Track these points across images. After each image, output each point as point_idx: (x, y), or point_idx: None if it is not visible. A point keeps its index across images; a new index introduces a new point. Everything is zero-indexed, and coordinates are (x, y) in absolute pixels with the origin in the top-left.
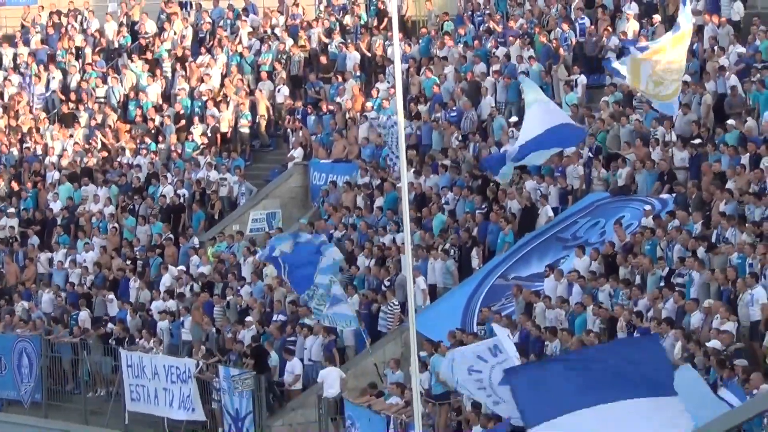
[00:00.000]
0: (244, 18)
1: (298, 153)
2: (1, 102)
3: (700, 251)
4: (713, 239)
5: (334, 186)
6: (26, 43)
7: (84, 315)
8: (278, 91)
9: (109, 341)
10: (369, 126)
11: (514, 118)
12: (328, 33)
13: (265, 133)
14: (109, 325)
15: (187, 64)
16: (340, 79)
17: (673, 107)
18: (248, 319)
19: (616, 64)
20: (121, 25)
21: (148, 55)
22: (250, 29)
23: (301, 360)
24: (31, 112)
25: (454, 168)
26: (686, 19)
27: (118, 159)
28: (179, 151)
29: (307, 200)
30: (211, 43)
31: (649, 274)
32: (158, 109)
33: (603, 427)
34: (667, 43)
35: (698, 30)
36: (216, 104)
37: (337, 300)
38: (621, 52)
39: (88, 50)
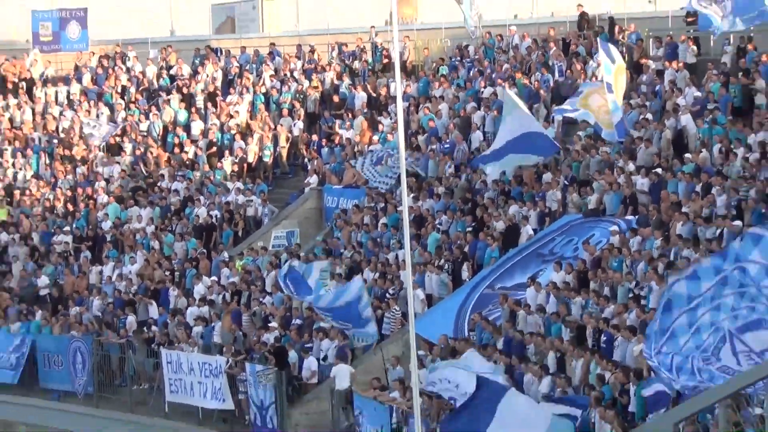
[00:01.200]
0: (267, 62)
1: (313, 180)
2: (58, 134)
3: (660, 267)
4: (671, 257)
5: (344, 213)
6: (79, 82)
7: (130, 319)
8: (296, 125)
9: (151, 343)
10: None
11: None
12: (340, 76)
13: (285, 163)
14: (152, 327)
15: (217, 102)
16: (349, 115)
17: (615, 135)
18: (271, 324)
19: (566, 106)
20: (160, 68)
21: (184, 92)
22: (272, 72)
23: (318, 359)
24: (83, 142)
25: (448, 194)
26: (609, 64)
27: (159, 184)
28: (211, 177)
29: (322, 220)
30: (239, 84)
31: (619, 286)
32: (193, 141)
33: None
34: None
35: (659, 74)
36: (243, 137)
37: (367, 321)
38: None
39: (132, 90)
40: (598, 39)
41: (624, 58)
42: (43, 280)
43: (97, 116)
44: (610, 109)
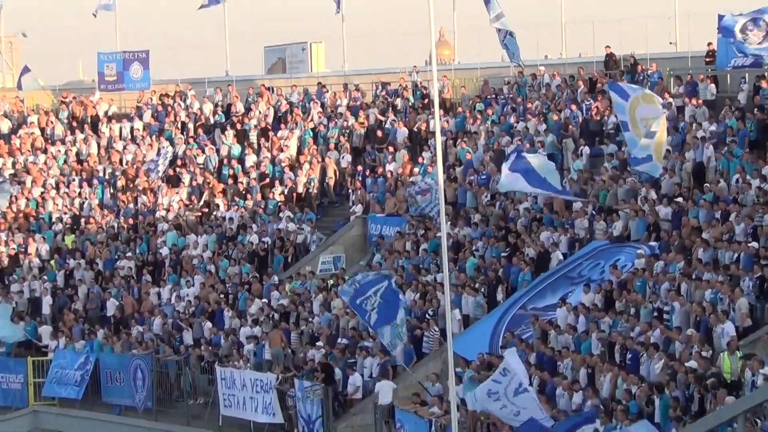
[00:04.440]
0: (315, 100)
1: (358, 209)
2: (121, 166)
3: (683, 286)
4: (693, 277)
5: (382, 239)
6: (141, 118)
7: (187, 338)
8: (343, 158)
9: (205, 360)
10: (407, 194)
11: None
12: (383, 112)
13: (332, 193)
14: (207, 346)
15: (269, 136)
16: (392, 149)
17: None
18: (318, 343)
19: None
20: (216, 105)
21: (238, 128)
22: (320, 109)
23: (362, 375)
24: (145, 174)
25: (484, 221)
26: (621, 103)
27: (214, 213)
28: (263, 207)
29: (366, 246)
30: (289, 120)
31: (642, 306)
32: (246, 173)
33: None
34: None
35: (679, 110)
36: (293, 169)
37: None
38: (618, 128)
39: (190, 125)
40: (608, 81)
41: None
42: (112, 303)
43: (158, 152)
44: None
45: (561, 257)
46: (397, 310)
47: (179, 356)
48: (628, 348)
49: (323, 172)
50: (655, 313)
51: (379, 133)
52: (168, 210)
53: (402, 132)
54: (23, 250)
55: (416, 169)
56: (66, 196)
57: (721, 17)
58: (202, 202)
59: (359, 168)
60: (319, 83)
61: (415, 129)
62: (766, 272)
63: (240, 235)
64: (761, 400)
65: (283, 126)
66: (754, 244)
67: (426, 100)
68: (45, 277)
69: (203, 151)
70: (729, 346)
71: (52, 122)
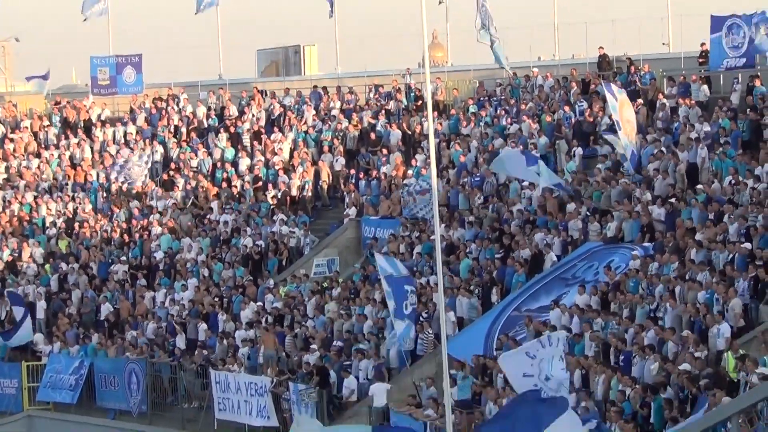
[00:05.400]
0: (308, 103)
1: (352, 211)
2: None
3: (677, 287)
4: (687, 278)
5: (376, 241)
6: (134, 122)
7: (181, 342)
8: (336, 161)
9: (199, 363)
10: (405, 193)
11: (525, 182)
12: (376, 115)
13: (326, 195)
14: (202, 351)
15: (262, 139)
16: (385, 151)
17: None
18: (312, 346)
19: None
20: (209, 109)
21: (231, 131)
22: (314, 112)
23: (356, 378)
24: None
25: (477, 223)
26: (613, 102)
27: (208, 216)
28: (257, 210)
29: (360, 249)
30: (283, 123)
31: (639, 307)
32: (240, 176)
33: None
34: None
35: (673, 110)
36: (286, 172)
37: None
38: (610, 128)
39: (183, 129)
40: (601, 82)
41: (639, 95)
42: (107, 307)
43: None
44: (622, 145)
45: (555, 259)
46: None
47: (173, 360)
48: (620, 350)
49: (317, 175)
50: (653, 314)
51: (373, 135)
52: (162, 214)
53: (395, 134)
54: (17, 255)
55: (410, 172)
56: (60, 201)
57: (714, 18)
58: (190, 203)
59: (353, 171)
60: (315, 86)
61: (408, 131)
62: (760, 272)
63: (234, 239)
64: (756, 401)
65: (276, 129)
66: (747, 245)
67: (419, 103)
68: (39, 282)
69: (197, 155)
70: (732, 347)
71: (45, 127)
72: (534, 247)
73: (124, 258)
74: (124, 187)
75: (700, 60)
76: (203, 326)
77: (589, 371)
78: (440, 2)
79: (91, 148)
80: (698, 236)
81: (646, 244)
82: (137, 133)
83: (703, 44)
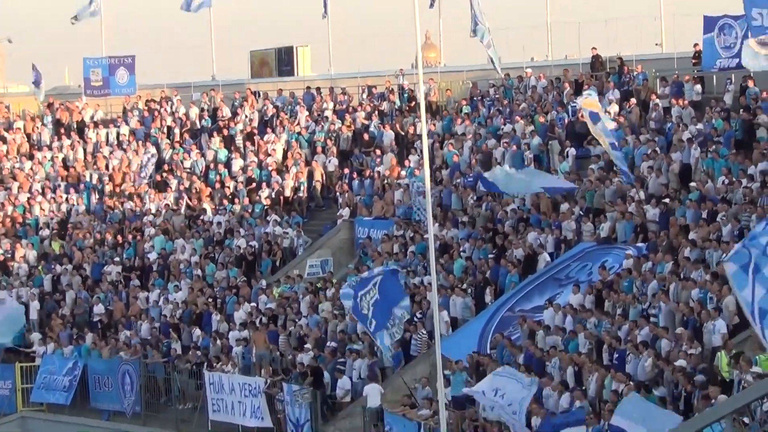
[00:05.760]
0: (301, 104)
1: (345, 212)
2: (108, 171)
3: (672, 286)
4: (681, 277)
5: (370, 240)
6: (127, 123)
7: (176, 346)
8: (329, 162)
9: (193, 364)
10: (404, 191)
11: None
12: (369, 115)
13: (320, 196)
14: (196, 352)
15: (255, 140)
16: (379, 152)
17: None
18: (306, 345)
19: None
20: (202, 110)
21: (224, 133)
22: (307, 113)
23: (350, 378)
24: (134, 179)
25: (471, 223)
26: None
27: (201, 217)
28: (250, 211)
29: (353, 250)
30: (276, 124)
31: (631, 307)
32: (233, 177)
33: None
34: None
35: (666, 110)
36: (279, 173)
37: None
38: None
39: (176, 130)
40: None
41: (632, 95)
42: (99, 308)
43: (148, 160)
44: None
45: (548, 259)
46: (396, 302)
47: (166, 360)
48: (614, 348)
49: (310, 175)
50: (645, 312)
51: (366, 136)
52: (155, 215)
53: (389, 135)
54: (10, 255)
55: (403, 172)
56: (53, 202)
57: (706, 18)
58: (184, 205)
59: (346, 171)
60: (308, 87)
61: (401, 132)
62: None
63: (227, 239)
64: (750, 400)
65: (269, 130)
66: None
67: (412, 103)
68: (32, 283)
69: (190, 156)
70: (726, 345)
71: (38, 128)
72: (528, 248)
73: (117, 259)
74: (117, 188)
75: (694, 61)
76: (197, 332)
77: (583, 368)
78: (431, 6)
79: (84, 150)
80: (692, 235)
81: (639, 244)
82: (130, 134)
83: (696, 45)
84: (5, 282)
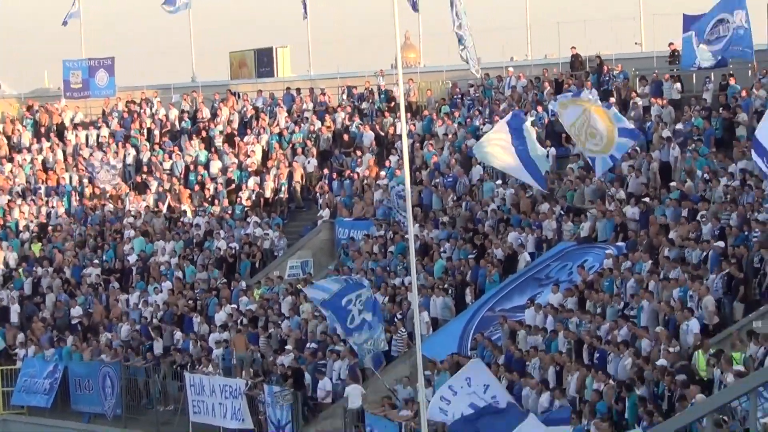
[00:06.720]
0: (281, 105)
1: (325, 213)
2: (88, 174)
3: (651, 284)
4: (661, 277)
5: (353, 241)
6: (107, 125)
7: (156, 344)
8: (309, 163)
9: (174, 366)
10: (383, 191)
11: (499, 182)
12: (349, 116)
13: (300, 197)
14: (176, 353)
15: (235, 142)
16: (359, 153)
17: (608, 162)
18: (287, 347)
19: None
20: (182, 111)
21: (204, 135)
22: (286, 114)
23: (330, 379)
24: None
25: (451, 223)
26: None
27: (181, 219)
28: (230, 212)
29: (334, 251)
30: (255, 125)
31: (608, 306)
32: (213, 178)
33: None
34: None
35: (645, 109)
36: (259, 174)
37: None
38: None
39: (156, 132)
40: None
41: (611, 94)
42: (77, 310)
43: (124, 156)
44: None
45: (528, 259)
46: (379, 323)
47: (147, 362)
48: (595, 347)
49: (290, 176)
50: (622, 312)
51: (346, 137)
52: (135, 217)
53: (368, 135)
54: None
55: (383, 173)
56: (32, 204)
57: (686, 18)
58: (165, 208)
59: (326, 172)
60: (287, 88)
61: (381, 132)
62: (733, 270)
63: (207, 241)
64: (730, 399)
65: (249, 131)
66: (720, 243)
67: (392, 104)
68: (12, 286)
69: (170, 157)
70: (703, 345)
71: (18, 130)
72: (508, 248)
73: (97, 261)
74: (97, 190)
75: (669, 59)
76: (179, 334)
77: (563, 368)
78: (415, 10)
79: (64, 152)
80: (671, 234)
81: (619, 243)
82: (110, 136)
83: (671, 44)
84: None
